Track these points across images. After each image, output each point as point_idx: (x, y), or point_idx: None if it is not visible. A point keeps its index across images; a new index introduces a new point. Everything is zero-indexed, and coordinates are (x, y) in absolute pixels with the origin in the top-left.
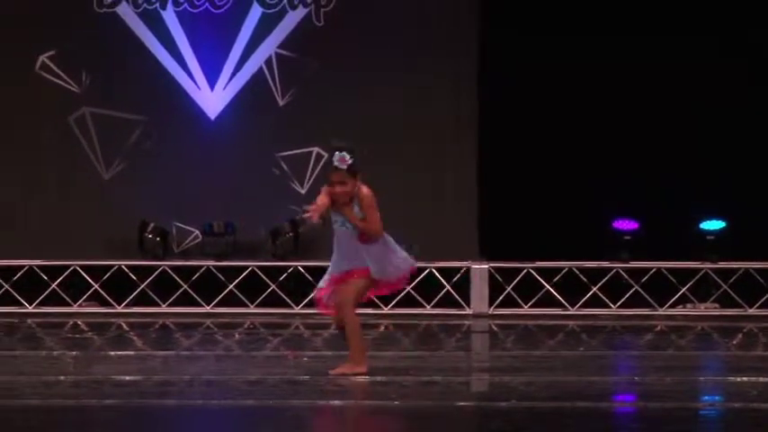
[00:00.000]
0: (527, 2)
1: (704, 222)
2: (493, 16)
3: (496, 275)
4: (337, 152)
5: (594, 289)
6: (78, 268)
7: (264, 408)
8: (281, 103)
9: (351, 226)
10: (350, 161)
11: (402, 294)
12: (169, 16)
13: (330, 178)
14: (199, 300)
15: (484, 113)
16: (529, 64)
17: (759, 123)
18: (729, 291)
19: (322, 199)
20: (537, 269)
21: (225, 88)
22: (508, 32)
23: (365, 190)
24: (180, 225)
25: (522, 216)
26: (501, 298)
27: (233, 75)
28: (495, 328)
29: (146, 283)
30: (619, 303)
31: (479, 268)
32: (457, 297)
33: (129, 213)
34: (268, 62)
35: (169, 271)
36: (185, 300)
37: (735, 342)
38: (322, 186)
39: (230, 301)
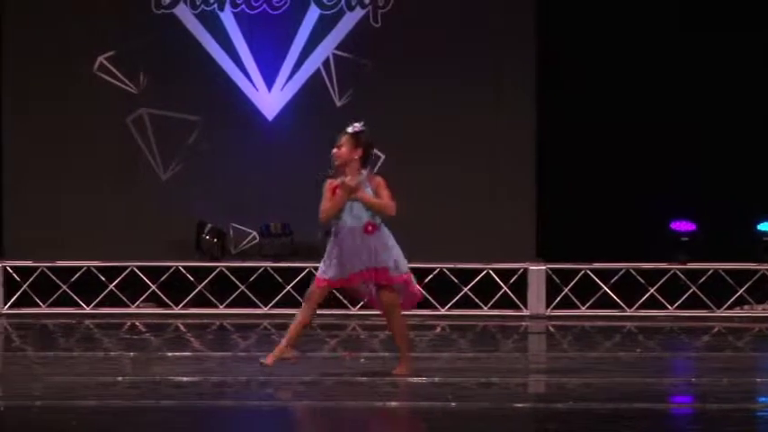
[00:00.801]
0: (586, 1)
1: (762, 223)
2: (551, 15)
3: (554, 277)
4: (358, 123)
5: (652, 290)
6: (136, 269)
7: (321, 409)
8: (338, 103)
9: (360, 216)
10: (358, 128)
11: (459, 296)
12: (227, 17)
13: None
14: (256, 301)
15: (541, 114)
16: (587, 64)
17: None
18: None
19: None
20: (594, 270)
21: (282, 89)
22: (566, 31)
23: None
24: (237, 226)
25: (579, 217)
26: (558, 299)
27: (290, 76)
28: (552, 330)
29: (203, 285)
30: (676, 305)
31: (537, 269)
32: (514, 298)
33: (187, 214)
34: (326, 63)
35: (226, 272)
36: (242, 301)
37: None
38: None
39: (287, 302)
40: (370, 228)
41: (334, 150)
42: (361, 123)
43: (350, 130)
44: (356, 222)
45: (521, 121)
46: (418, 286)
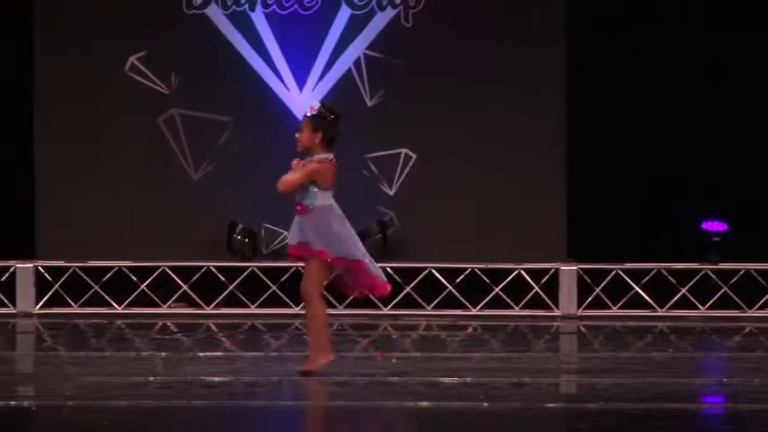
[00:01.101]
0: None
1: None
2: (582, 13)
3: (585, 277)
4: (318, 103)
5: (683, 290)
6: (167, 269)
7: (353, 408)
8: (369, 104)
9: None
10: (314, 111)
11: (491, 296)
12: (258, 18)
13: None
14: (287, 301)
15: (573, 113)
16: (617, 62)
17: None
18: None
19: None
20: (626, 270)
21: (314, 89)
22: (597, 29)
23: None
24: (269, 226)
25: (610, 217)
26: (590, 299)
27: (321, 76)
28: (584, 330)
29: (234, 285)
30: (708, 305)
31: (568, 269)
32: (545, 298)
33: (218, 214)
34: (357, 63)
35: (258, 272)
36: (274, 301)
37: None
38: (412, 188)
39: None
40: (298, 207)
41: (296, 135)
42: (319, 104)
43: (307, 113)
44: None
45: (551, 120)
46: (377, 278)
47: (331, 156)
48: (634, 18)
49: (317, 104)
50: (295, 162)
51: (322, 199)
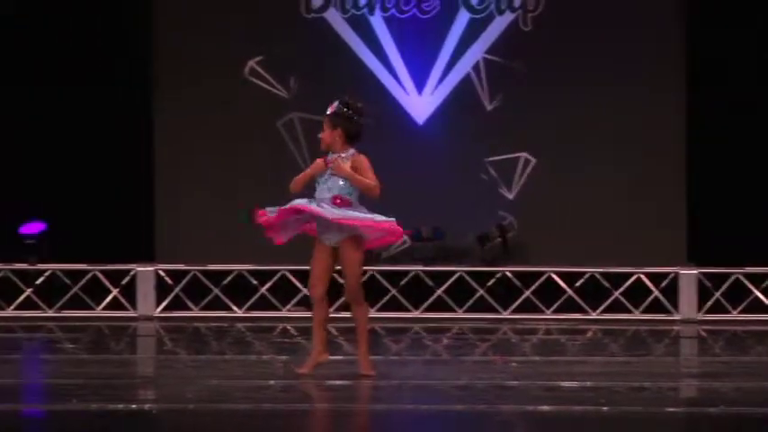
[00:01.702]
0: (736, 1)
1: None
2: (704, 10)
3: (705, 281)
4: (338, 101)
5: None
6: (287, 273)
7: (473, 413)
8: (488, 107)
9: (331, 188)
10: (335, 109)
11: (610, 300)
12: (377, 21)
13: None
14: (407, 305)
15: (692, 114)
16: (738, 62)
17: None
18: None
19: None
20: (746, 275)
21: (433, 93)
22: (717, 28)
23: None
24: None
25: (730, 220)
26: (710, 303)
27: (441, 79)
28: (704, 334)
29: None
30: None
31: (688, 274)
32: (665, 302)
33: None
34: (475, 67)
35: (378, 276)
36: (394, 305)
37: None
38: (531, 192)
39: (438, 305)
40: (338, 201)
41: (319, 136)
42: (337, 103)
43: (328, 111)
44: (327, 194)
45: (672, 121)
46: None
47: (352, 151)
48: (756, 14)
49: (335, 104)
50: (319, 161)
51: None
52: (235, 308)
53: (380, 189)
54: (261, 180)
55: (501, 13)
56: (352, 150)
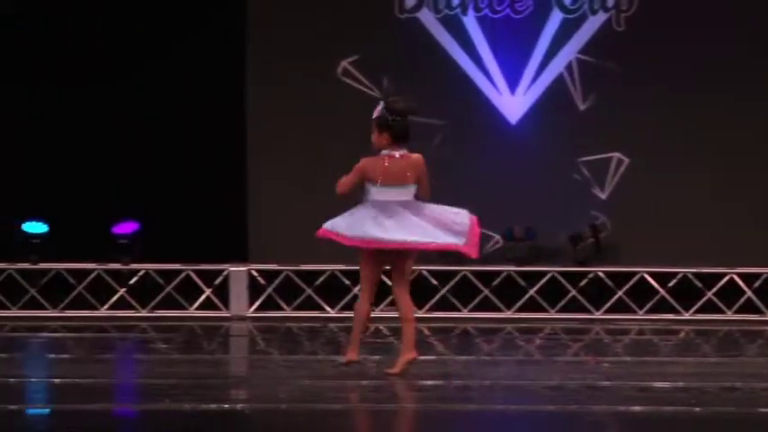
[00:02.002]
0: None
1: None
2: None
3: None
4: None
5: None
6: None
7: (564, 413)
8: (581, 107)
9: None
10: (379, 114)
11: (703, 300)
12: (470, 21)
13: None
14: (499, 305)
15: None
16: None
17: None
18: None
19: None
20: None
21: (526, 93)
22: None
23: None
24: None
25: None
26: None
27: (533, 79)
28: None
29: (447, 288)
30: None
31: None
32: (758, 303)
33: None
34: (568, 67)
35: (470, 276)
36: (486, 304)
37: None
38: (624, 192)
39: (530, 305)
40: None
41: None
42: (381, 106)
43: (374, 115)
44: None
45: (764, 120)
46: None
47: (397, 152)
48: None
49: (379, 107)
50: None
51: (375, 195)
52: (327, 308)
53: (338, 188)
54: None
55: (594, 12)
56: (404, 150)
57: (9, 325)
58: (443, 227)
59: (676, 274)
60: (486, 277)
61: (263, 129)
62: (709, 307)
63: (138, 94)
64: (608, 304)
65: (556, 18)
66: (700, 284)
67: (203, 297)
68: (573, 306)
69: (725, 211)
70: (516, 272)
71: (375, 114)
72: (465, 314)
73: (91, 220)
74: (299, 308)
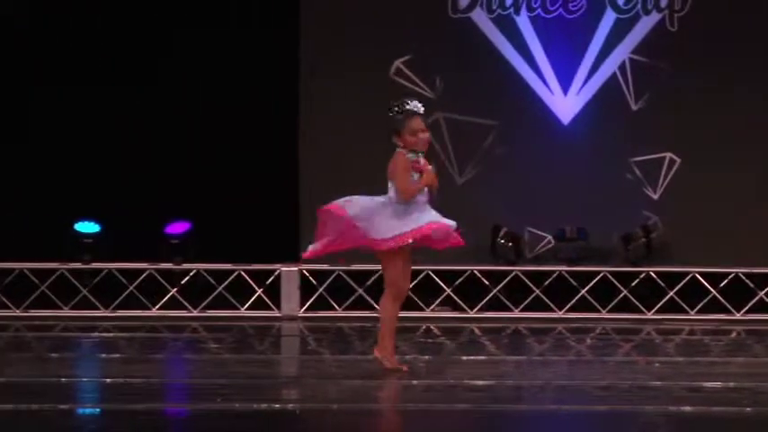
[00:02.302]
0: None
1: None
2: None
3: None
4: (409, 100)
5: None
6: (431, 273)
7: (616, 413)
8: (634, 108)
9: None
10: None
11: (754, 300)
12: (523, 21)
13: (411, 126)
14: (551, 305)
15: None
16: None
17: None
18: None
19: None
20: None
21: (578, 93)
22: None
23: None
24: (532, 230)
25: None
26: None
27: (586, 80)
28: None
29: (498, 288)
30: None
31: None
32: None
33: (482, 218)
34: (621, 67)
35: (521, 276)
36: (537, 305)
37: None
38: (676, 192)
39: (582, 306)
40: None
41: (421, 135)
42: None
43: (422, 111)
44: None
45: None
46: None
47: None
48: None
49: (413, 102)
50: (424, 162)
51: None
52: (378, 308)
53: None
54: None
55: (647, 12)
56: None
57: (61, 324)
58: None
59: (728, 274)
60: (538, 277)
61: (316, 128)
62: (761, 307)
63: (190, 94)
64: (659, 304)
65: (609, 18)
66: (751, 284)
67: (254, 297)
68: (624, 306)
69: None
70: (568, 272)
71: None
72: (516, 314)
73: (143, 219)
74: (349, 308)
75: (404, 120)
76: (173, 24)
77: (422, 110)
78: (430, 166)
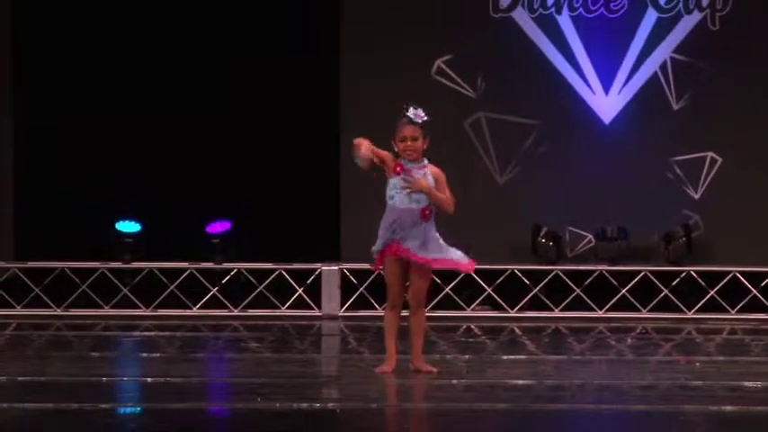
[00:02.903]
0: None
1: None
2: None
3: None
4: (412, 107)
5: None
6: (472, 272)
7: (656, 413)
8: (675, 107)
9: (418, 200)
10: (425, 117)
11: None
12: (564, 21)
13: (401, 132)
14: (591, 304)
15: None
16: None
17: None
18: None
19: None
20: None
21: (620, 93)
22: None
23: (437, 168)
24: (573, 229)
25: None
26: None
27: (628, 79)
28: None
29: (538, 288)
30: None
31: None
32: None
33: (523, 217)
34: (662, 66)
35: (562, 275)
36: (578, 304)
37: None
38: (717, 191)
39: (623, 305)
40: (427, 212)
41: (410, 144)
42: (422, 111)
43: (418, 120)
44: (415, 205)
45: None
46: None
47: (426, 161)
48: None
49: (414, 109)
50: (389, 160)
51: None
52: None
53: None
54: (449, 179)
55: (689, 12)
56: (426, 161)
57: (102, 324)
58: None
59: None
60: (579, 276)
61: (357, 127)
62: None
63: (233, 94)
64: (700, 304)
65: (650, 17)
66: None
67: (295, 296)
68: (665, 305)
69: None
70: (608, 271)
71: (422, 119)
72: (557, 314)
73: (184, 219)
74: None
75: (399, 125)
76: (216, 23)
77: (419, 120)
78: (422, 176)
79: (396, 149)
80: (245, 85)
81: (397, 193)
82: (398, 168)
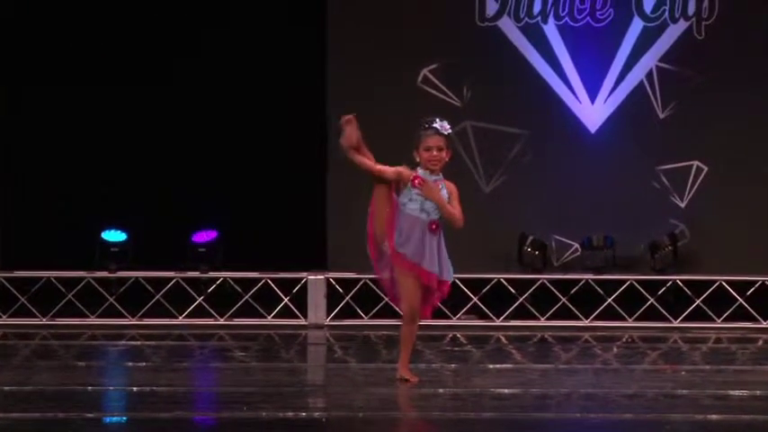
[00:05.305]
0: None
1: None
2: None
3: None
4: (438, 119)
5: None
6: (457, 281)
7: (642, 422)
8: (661, 116)
9: (429, 211)
10: (449, 129)
11: None
12: (550, 30)
13: (426, 143)
14: (577, 313)
15: None
16: None
17: None
18: None
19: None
20: None
21: (605, 101)
22: None
23: (451, 183)
24: (559, 238)
25: None
26: None
27: (613, 88)
28: None
29: (524, 296)
30: None
31: None
32: None
33: (509, 226)
34: (648, 75)
35: (548, 284)
36: (564, 313)
37: None
38: (703, 200)
39: (609, 313)
40: (434, 227)
41: (435, 154)
42: (447, 124)
43: (445, 132)
44: (425, 216)
45: None
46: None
47: (441, 175)
48: None
49: (441, 121)
50: (406, 173)
51: None
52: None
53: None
54: None
55: (674, 21)
56: (441, 175)
57: (88, 333)
58: None
59: (754, 282)
60: (564, 285)
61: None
62: None
63: (218, 104)
64: (686, 312)
65: (636, 26)
66: None
67: (281, 305)
68: (650, 314)
69: None
70: (594, 280)
71: (448, 130)
72: (543, 322)
73: (170, 228)
74: (376, 316)
75: (423, 136)
76: (201, 25)
77: (445, 131)
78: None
79: (417, 160)
80: (232, 95)
81: (409, 201)
82: (417, 180)
